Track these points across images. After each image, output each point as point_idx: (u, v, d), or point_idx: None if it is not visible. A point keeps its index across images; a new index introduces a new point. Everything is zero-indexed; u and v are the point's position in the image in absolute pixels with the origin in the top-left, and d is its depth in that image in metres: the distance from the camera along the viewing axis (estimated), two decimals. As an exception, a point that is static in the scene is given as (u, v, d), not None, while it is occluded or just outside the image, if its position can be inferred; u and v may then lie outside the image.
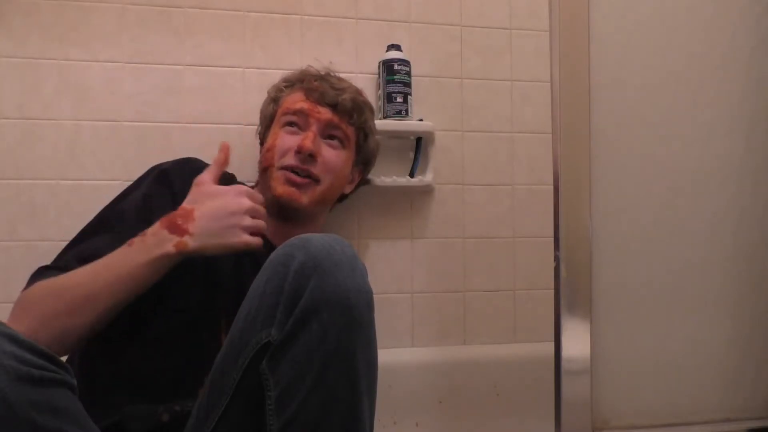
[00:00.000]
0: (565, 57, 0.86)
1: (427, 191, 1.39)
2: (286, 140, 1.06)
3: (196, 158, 1.07)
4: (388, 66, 1.31)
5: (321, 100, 1.08)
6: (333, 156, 1.07)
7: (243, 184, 1.14)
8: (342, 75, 1.18)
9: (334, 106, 1.08)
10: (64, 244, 0.96)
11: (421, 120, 1.35)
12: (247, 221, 0.87)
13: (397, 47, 1.34)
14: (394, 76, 1.31)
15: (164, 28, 1.29)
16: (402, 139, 1.37)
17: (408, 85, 1.32)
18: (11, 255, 1.21)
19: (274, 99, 1.14)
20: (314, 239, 0.76)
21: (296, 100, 1.09)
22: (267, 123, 1.14)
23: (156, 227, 0.86)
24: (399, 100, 1.31)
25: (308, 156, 1.03)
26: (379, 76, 1.34)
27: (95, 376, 0.89)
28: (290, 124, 1.07)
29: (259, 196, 0.92)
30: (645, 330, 0.93)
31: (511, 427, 1.34)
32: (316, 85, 1.09)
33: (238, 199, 0.88)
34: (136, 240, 0.85)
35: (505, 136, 1.44)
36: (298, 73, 1.16)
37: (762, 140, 0.94)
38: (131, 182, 1.03)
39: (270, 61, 1.33)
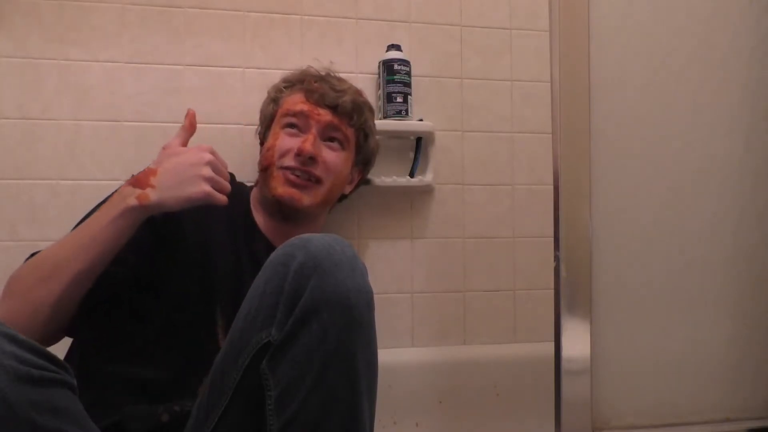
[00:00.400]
0: (565, 57, 0.86)
1: (427, 191, 1.39)
2: (286, 141, 1.06)
3: None
4: (388, 66, 1.31)
5: (321, 102, 1.08)
6: (333, 157, 1.07)
7: (243, 183, 1.14)
8: (342, 75, 1.19)
9: (334, 108, 1.08)
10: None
11: (421, 120, 1.35)
12: (206, 171, 0.85)
13: (397, 47, 1.34)
14: (394, 76, 1.31)
15: (164, 28, 1.29)
16: (402, 139, 1.37)
17: (408, 85, 1.32)
18: (11, 255, 1.21)
19: (274, 99, 1.14)
20: (314, 239, 0.76)
21: (296, 102, 1.09)
22: (267, 123, 1.14)
23: (122, 186, 0.87)
24: (399, 100, 1.31)
25: (309, 159, 1.03)
26: (379, 76, 1.34)
27: (95, 376, 0.89)
28: (290, 125, 1.07)
29: (223, 160, 0.91)
30: (645, 330, 0.93)
31: (511, 427, 1.34)
32: (316, 86, 1.09)
33: (199, 153, 0.87)
34: (105, 203, 0.87)
35: (505, 136, 1.44)
36: (298, 73, 1.16)
37: (762, 140, 0.94)
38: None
39: (270, 61, 1.33)
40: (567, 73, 0.86)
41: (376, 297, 0.78)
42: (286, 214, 1.04)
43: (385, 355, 1.29)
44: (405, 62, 1.32)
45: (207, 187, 0.85)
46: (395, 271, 1.37)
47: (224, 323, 0.93)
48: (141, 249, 0.91)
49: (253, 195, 1.12)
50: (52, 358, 0.64)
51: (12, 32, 1.23)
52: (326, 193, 1.07)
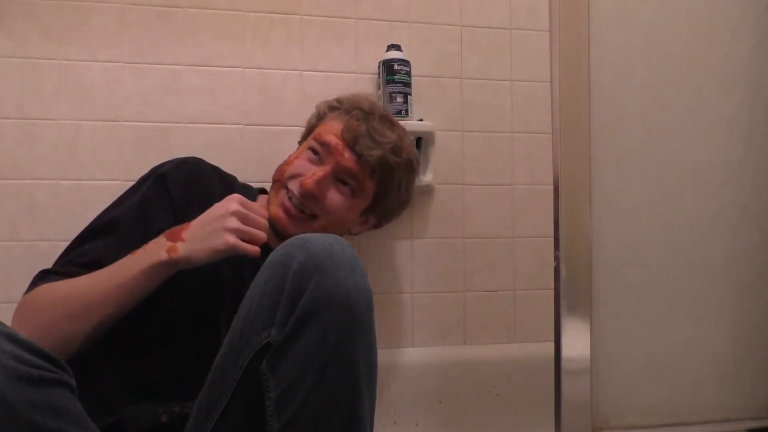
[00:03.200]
0: (565, 57, 0.86)
1: (427, 191, 1.39)
2: (302, 165, 1.03)
3: (194, 158, 1.06)
4: (388, 66, 1.31)
5: (351, 144, 1.02)
6: (337, 200, 1.03)
7: (249, 186, 1.13)
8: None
9: (359, 156, 1.02)
10: (65, 244, 0.96)
11: (421, 120, 1.35)
12: (232, 223, 0.85)
13: (397, 47, 1.34)
14: (394, 76, 1.31)
15: (164, 28, 1.29)
16: (402, 139, 1.37)
17: (408, 85, 1.32)
18: (11, 255, 1.21)
19: (318, 115, 1.12)
20: (314, 239, 0.76)
21: (330, 131, 1.04)
22: (304, 135, 1.14)
23: (159, 237, 0.88)
24: (399, 100, 1.31)
25: (309, 194, 1.00)
26: (379, 76, 1.34)
27: (95, 376, 0.89)
28: (314, 151, 1.04)
29: (256, 206, 0.90)
30: (645, 330, 0.93)
31: (511, 427, 1.34)
32: (355, 125, 1.03)
33: (226, 204, 0.87)
34: (140, 250, 0.87)
35: (505, 136, 1.44)
36: (351, 98, 1.10)
37: (762, 140, 0.94)
38: (131, 182, 1.03)
39: (270, 61, 1.33)
40: (567, 73, 0.86)
41: (376, 297, 0.78)
42: (276, 233, 1.01)
43: (385, 355, 1.30)
44: (405, 62, 1.32)
45: (232, 239, 0.84)
46: (395, 271, 1.37)
47: (226, 324, 0.93)
48: None
49: (261, 202, 1.09)
50: (51, 358, 0.64)
51: (12, 32, 1.23)
52: (319, 229, 1.01)
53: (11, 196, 1.22)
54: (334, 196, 1.02)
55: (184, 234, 0.86)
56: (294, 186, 1.01)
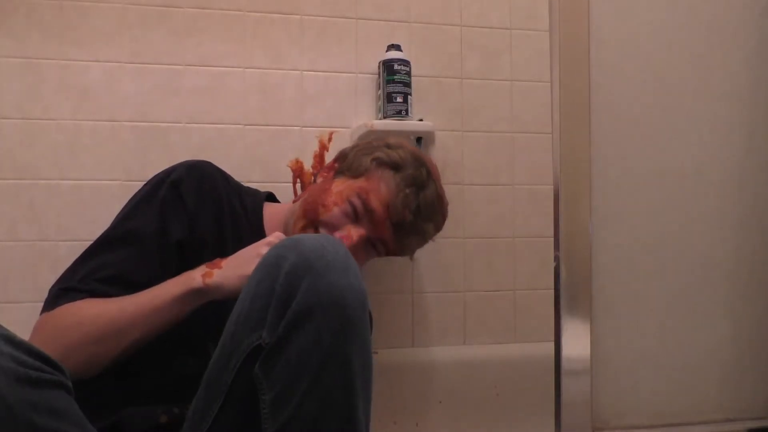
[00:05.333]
0: (565, 57, 0.86)
1: (427, 191, 1.38)
2: (340, 219, 0.98)
3: (203, 161, 1.03)
4: (388, 66, 1.31)
5: (395, 220, 0.99)
6: (361, 259, 1.01)
7: (257, 190, 1.11)
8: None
9: (398, 230, 1.01)
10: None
11: (421, 120, 1.35)
12: (265, 251, 0.83)
13: (397, 47, 1.34)
14: (394, 76, 1.31)
15: (164, 28, 1.29)
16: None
17: (408, 85, 1.32)
18: (11, 255, 1.21)
19: (373, 160, 1.03)
20: (306, 239, 0.76)
21: (378, 197, 0.99)
22: (347, 171, 1.05)
23: (200, 267, 0.87)
24: (399, 100, 1.31)
25: None
26: (379, 76, 1.33)
27: (93, 377, 0.89)
28: (355, 208, 0.99)
29: None
30: (645, 330, 0.93)
31: (511, 427, 1.34)
32: (405, 214, 0.99)
33: (267, 238, 0.88)
34: (176, 278, 0.87)
35: (505, 136, 1.44)
36: (409, 162, 1.03)
37: (762, 140, 0.94)
38: (131, 182, 1.03)
39: (270, 61, 1.33)
40: (567, 73, 0.86)
41: (376, 297, 0.78)
42: None
43: (385, 355, 1.30)
44: (405, 62, 1.32)
45: None
46: (395, 271, 1.37)
47: (214, 342, 0.92)
48: (167, 272, 0.91)
49: (276, 209, 1.07)
50: (48, 360, 0.64)
51: (12, 32, 1.23)
52: None
53: (11, 196, 1.22)
54: (360, 256, 1.00)
55: (223, 263, 0.87)
56: (326, 233, 0.97)
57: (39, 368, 0.62)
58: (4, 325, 0.64)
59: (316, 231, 0.97)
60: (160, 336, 0.90)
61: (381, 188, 1.00)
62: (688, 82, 0.93)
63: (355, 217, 0.99)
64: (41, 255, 1.20)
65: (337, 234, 0.96)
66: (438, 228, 1.09)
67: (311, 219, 0.99)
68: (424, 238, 1.07)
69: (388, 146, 1.05)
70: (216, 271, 0.85)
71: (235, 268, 0.85)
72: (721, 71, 0.93)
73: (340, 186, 1.01)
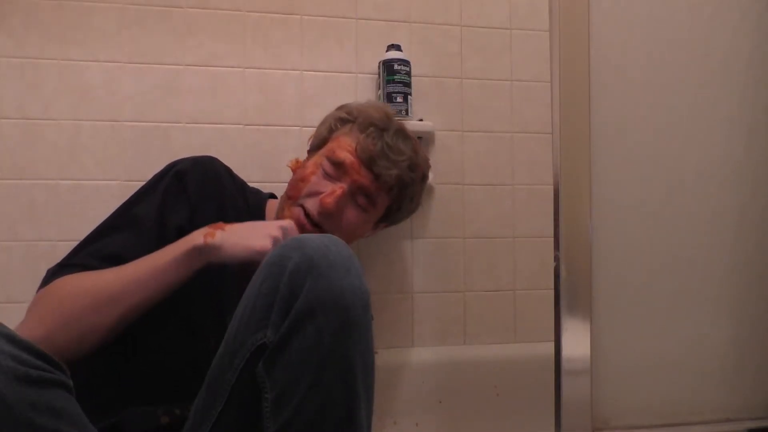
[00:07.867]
0: (565, 57, 0.86)
1: (427, 191, 1.38)
2: (319, 183, 1.01)
3: (208, 157, 1.04)
4: (388, 66, 1.31)
5: (368, 164, 1.01)
6: (353, 217, 1.02)
7: (260, 190, 1.13)
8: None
9: (377, 177, 1.01)
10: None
11: (421, 120, 1.35)
12: (277, 232, 0.85)
13: (397, 47, 1.34)
14: (394, 76, 1.31)
15: (164, 28, 1.29)
16: (402, 139, 1.36)
17: (408, 85, 1.32)
18: (11, 255, 1.21)
19: (329, 129, 1.08)
20: (309, 240, 0.76)
21: (344, 148, 1.02)
22: (314, 146, 1.10)
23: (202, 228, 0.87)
24: (399, 100, 1.31)
25: (327, 214, 0.99)
26: (379, 76, 1.34)
27: (94, 377, 0.89)
28: (328, 168, 1.02)
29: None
30: (645, 330, 0.93)
31: (511, 427, 1.34)
32: (371, 144, 1.01)
33: (280, 222, 0.88)
34: (178, 241, 0.86)
35: (505, 136, 1.44)
36: (363, 111, 1.07)
37: (762, 140, 0.95)
38: (131, 182, 1.03)
39: (270, 61, 1.33)
40: (567, 73, 0.86)
41: (376, 297, 0.78)
42: None
43: (385, 355, 1.30)
44: (405, 62, 1.32)
45: (270, 245, 0.83)
46: (395, 271, 1.37)
47: (216, 338, 0.92)
48: None
49: (271, 207, 1.09)
50: (48, 359, 0.64)
51: (12, 32, 1.23)
52: None
53: (11, 196, 1.22)
54: (350, 214, 1.02)
55: (227, 227, 0.86)
56: (311, 204, 1.00)
57: (39, 367, 0.62)
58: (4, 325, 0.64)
59: (302, 208, 1.00)
60: (161, 332, 0.90)
61: (343, 140, 1.04)
62: (688, 82, 0.93)
63: (332, 176, 1.02)
64: (41, 255, 1.21)
65: (319, 200, 0.99)
66: (416, 152, 1.09)
67: (295, 197, 1.02)
68: (407, 168, 1.05)
69: (341, 107, 1.11)
70: (218, 232, 0.85)
71: (240, 237, 0.85)
72: (722, 71, 0.93)
73: (312, 159, 1.06)
